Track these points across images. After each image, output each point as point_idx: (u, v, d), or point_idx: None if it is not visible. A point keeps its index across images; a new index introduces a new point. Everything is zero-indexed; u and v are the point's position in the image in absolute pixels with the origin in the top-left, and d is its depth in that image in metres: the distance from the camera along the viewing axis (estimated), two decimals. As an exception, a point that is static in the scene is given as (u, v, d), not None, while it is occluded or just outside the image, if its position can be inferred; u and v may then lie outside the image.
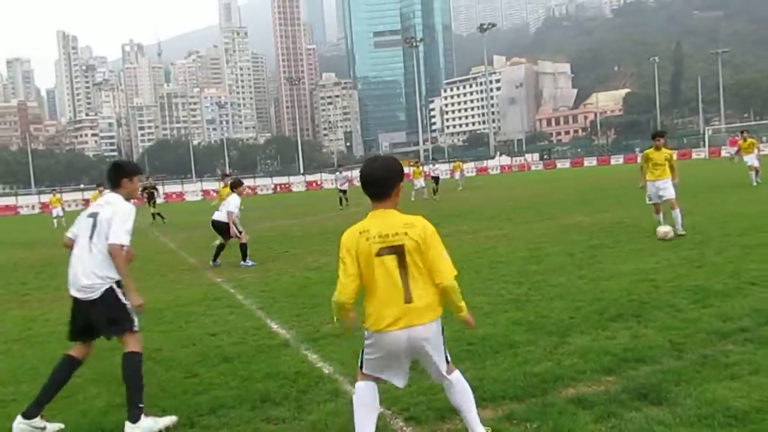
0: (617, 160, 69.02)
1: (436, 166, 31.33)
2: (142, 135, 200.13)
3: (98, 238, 4.25)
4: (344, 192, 26.94)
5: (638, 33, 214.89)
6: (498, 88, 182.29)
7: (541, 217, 15.29)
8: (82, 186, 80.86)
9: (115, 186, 4.52)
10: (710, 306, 5.61)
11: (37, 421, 4.10)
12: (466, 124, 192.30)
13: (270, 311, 7.03)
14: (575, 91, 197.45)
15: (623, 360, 4.37)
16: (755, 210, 12.59)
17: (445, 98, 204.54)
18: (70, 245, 4.42)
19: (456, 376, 3.28)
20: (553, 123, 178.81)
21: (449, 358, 3.26)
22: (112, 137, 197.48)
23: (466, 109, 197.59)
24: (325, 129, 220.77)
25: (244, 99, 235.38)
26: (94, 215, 4.35)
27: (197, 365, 5.20)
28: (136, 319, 4.30)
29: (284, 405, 4.17)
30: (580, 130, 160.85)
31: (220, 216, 11.34)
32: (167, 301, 8.20)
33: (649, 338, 4.82)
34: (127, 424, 3.93)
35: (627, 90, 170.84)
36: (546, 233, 11.95)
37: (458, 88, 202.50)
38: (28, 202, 57.82)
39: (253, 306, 7.40)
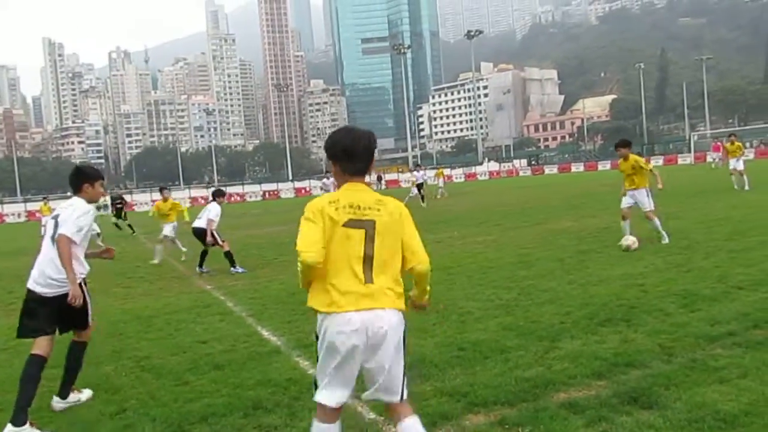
0: (604, 165, 69.52)
1: (422, 172, 29.89)
2: (130, 142, 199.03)
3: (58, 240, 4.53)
4: None
5: (623, 39, 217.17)
6: (486, 95, 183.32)
7: (530, 222, 15.38)
8: (69, 194, 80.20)
9: (76, 190, 4.75)
10: (698, 310, 5.67)
11: (28, 428, 4.17)
12: (454, 131, 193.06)
13: (261, 318, 7.00)
14: (562, 97, 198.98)
15: (613, 364, 4.40)
16: (740, 215, 12.74)
17: (433, 104, 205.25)
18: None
19: (413, 421, 2.83)
20: (541, 129, 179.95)
21: (407, 387, 2.83)
22: (99, 144, 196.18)
23: (454, 116, 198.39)
24: (313, 136, 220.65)
25: (232, 106, 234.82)
26: (56, 217, 4.66)
27: (188, 373, 5.17)
28: (91, 316, 4.75)
29: (276, 412, 4.16)
30: (567, 136, 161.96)
31: (199, 223, 11.34)
32: (156, 308, 8.15)
33: (639, 342, 4.86)
34: (56, 398, 4.59)
35: (613, 96, 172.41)
36: (535, 238, 12.02)
37: (446, 95, 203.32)
38: (14, 210, 57.41)
39: (243, 313, 7.38)
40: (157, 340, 6.35)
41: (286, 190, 69.63)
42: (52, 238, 4.59)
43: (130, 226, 24.47)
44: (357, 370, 2.72)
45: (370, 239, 2.69)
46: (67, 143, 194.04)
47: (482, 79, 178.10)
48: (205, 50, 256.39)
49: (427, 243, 10.37)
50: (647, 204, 10.03)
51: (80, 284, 4.53)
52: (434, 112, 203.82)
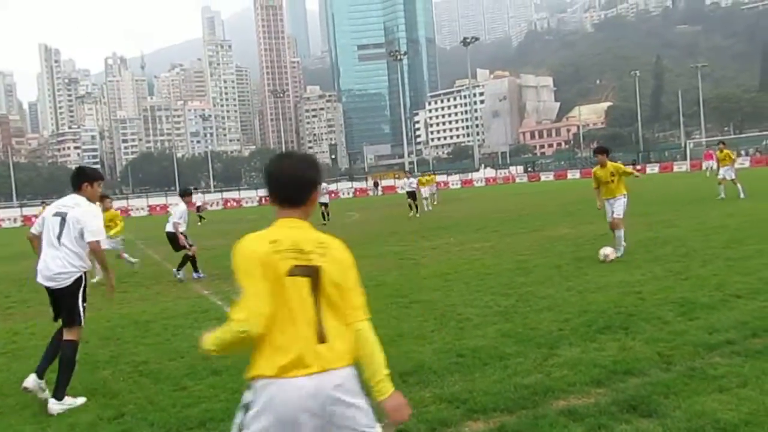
0: (600, 172, 69.70)
1: (411, 179, 27.57)
2: (126, 148, 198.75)
3: (67, 236, 4.82)
4: (325, 205, 24.90)
5: (619, 47, 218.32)
6: (482, 101, 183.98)
7: (527, 229, 15.40)
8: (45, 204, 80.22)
9: (76, 189, 5.02)
10: (696, 318, 5.67)
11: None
12: (451, 137, 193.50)
13: (258, 325, 6.97)
14: (558, 104, 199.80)
15: (612, 372, 4.40)
16: (736, 223, 12.79)
17: (430, 111, 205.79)
18: (32, 240, 5.10)
19: None
20: (537, 136, 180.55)
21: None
22: (95, 150, 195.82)
23: (450, 122, 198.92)
24: (309, 141, 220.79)
25: (228, 112, 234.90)
26: (61, 214, 4.87)
27: (186, 378, 5.15)
28: (84, 317, 4.97)
29: (275, 419, 4.15)
30: (563, 143, 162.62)
31: (169, 227, 11.32)
32: (154, 313, 8.13)
33: (638, 350, 4.86)
34: (51, 401, 4.62)
35: (609, 103, 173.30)
36: (532, 245, 12.04)
37: (442, 101, 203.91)
38: (9, 215, 57.27)
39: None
40: (155, 345, 6.34)
41: (283, 195, 69.50)
42: (59, 237, 4.83)
43: None
44: None
45: (315, 287, 2.23)
46: (63, 149, 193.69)
47: (478, 86, 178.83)
48: (202, 56, 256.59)
49: (423, 249, 10.51)
50: (620, 211, 9.84)
51: (81, 277, 4.90)
52: (430, 118, 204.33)
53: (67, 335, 4.83)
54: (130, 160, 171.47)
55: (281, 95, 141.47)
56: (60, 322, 4.96)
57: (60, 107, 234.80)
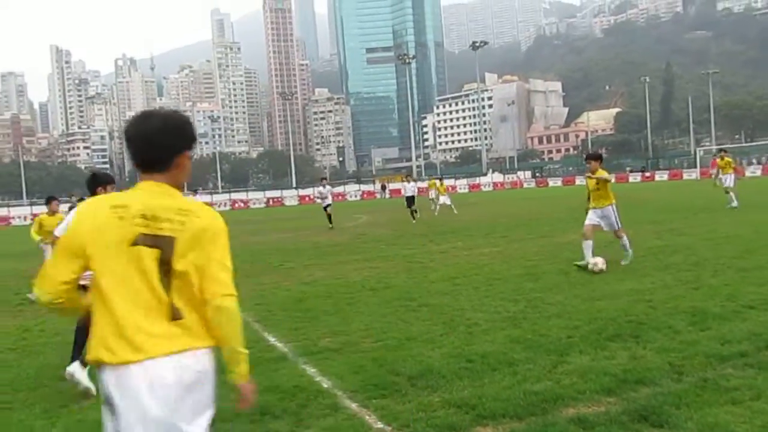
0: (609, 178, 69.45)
1: (411, 184, 25.93)
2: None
3: None
4: (328, 207, 23.49)
5: (628, 53, 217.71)
6: (490, 106, 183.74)
7: (536, 234, 15.35)
8: (73, 197, 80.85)
9: (92, 193, 5.43)
10: (708, 329, 5.61)
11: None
12: (458, 141, 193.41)
13: (266, 324, 7.00)
14: (566, 109, 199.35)
15: (623, 381, 4.37)
16: (748, 232, 12.68)
17: (438, 115, 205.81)
18: (55, 241, 5.46)
19: None
20: (545, 141, 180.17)
21: None
22: (104, 150, 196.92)
23: (458, 126, 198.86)
24: (317, 144, 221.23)
25: (236, 113, 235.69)
26: None
27: (194, 379, 5.16)
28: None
29: (284, 419, 4.16)
30: (571, 149, 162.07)
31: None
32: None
33: (648, 359, 4.82)
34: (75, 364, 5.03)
35: (618, 109, 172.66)
36: (541, 251, 12.00)
37: (450, 105, 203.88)
38: (20, 213, 57.89)
39: (249, 319, 7.36)
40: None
41: (290, 197, 69.79)
42: None
43: None
44: None
45: (166, 261, 1.98)
46: (73, 148, 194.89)
47: (486, 90, 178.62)
48: (211, 58, 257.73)
49: (432, 253, 10.47)
50: (615, 223, 9.59)
51: None
52: (438, 122, 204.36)
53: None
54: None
55: (290, 97, 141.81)
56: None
57: (70, 107, 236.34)
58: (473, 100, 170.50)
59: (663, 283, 7.91)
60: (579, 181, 72.12)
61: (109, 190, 5.45)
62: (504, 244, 13.87)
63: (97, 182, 5.48)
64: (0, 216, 58.28)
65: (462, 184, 72.83)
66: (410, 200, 24.20)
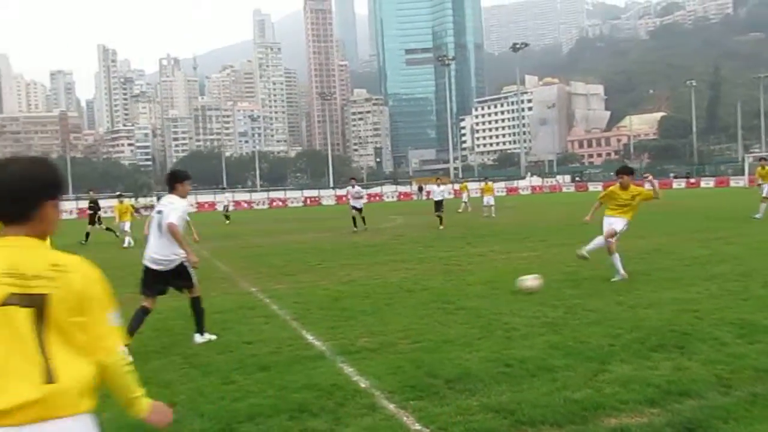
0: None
1: (441, 188, 24.39)
2: (176, 146, 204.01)
3: (164, 229, 6.16)
4: (359, 210, 22.19)
5: (674, 56, 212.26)
6: (529, 108, 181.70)
7: (575, 239, 15.03)
8: (118, 193, 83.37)
9: (171, 189, 6.35)
10: (758, 342, 5.41)
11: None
12: (497, 143, 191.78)
13: (304, 322, 7.07)
14: (608, 113, 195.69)
15: (667, 392, 4.26)
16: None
17: (476, 117, 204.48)
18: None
19: None
20: (585, 145, 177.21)
21: None
22: (147, 147, 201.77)
23: (496, 128, 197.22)
24: (355, 144, 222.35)
25: (276, 113, 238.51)
26: (160, 212, 6.23)
27: (234, 372, 5.25)
28: (195, 278, 6.49)
29: (321, 417, 4.19)
30: (612, 153, 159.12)
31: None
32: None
33: (693, 371, 4.69)
34: (196, 335, 6.31)
35: (662, 114, 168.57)
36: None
37: (489, 107, 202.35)
38: (66, 208, 59.85)
39: (287, 317, 7.46)
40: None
41: (327, 197, 70.25)
42: (159, 227, 6.18)
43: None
44: None
45: (41, 320, 1.84)
46: (117, 145, 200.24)
47: (526, 93, 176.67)
48: (252, 58, 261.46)
49: (469, 256, 10.42)
50: (621, 229, 9.20)
51: (182, 262, 6.28)
52: (477, 124, 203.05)
53: (193, 294, 6.43)
54: (180, 158, 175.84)
55: (328, 98, 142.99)
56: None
57: (115, 105, 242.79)
58: (512, 102, 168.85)
59: (709, 293, 7.69)
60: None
61: (186, 185, 6.36)
62: (542, 248, 13.70)
63: (177, 178, 6.35)
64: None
65: (499, 187, 72.13)
66: (438, 205, 22.69)
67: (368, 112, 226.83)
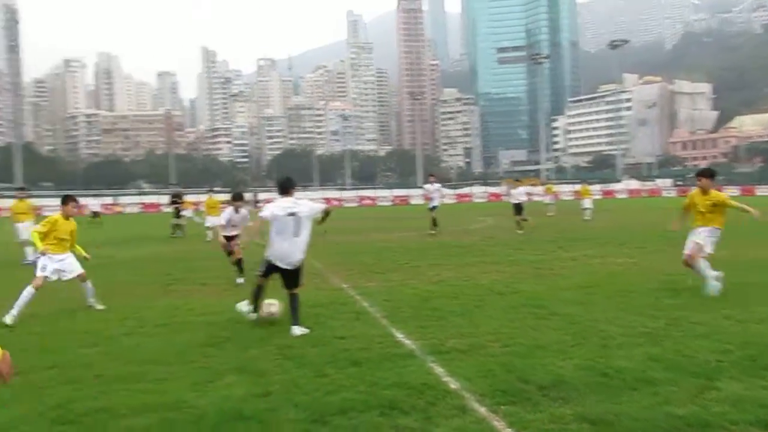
0: (764, 191, 63.20)
1: (520, 189, 22.81)
2: (271, 144, 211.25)
3: (303, 231, 6.75)
4: (433, 209, 20.91)
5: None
6: (628, 108, 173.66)
7: (675, 247, 14.26)
8: (216, 189, 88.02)
9: (283, 193, 6.97)
10: None
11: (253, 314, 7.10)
12: (591, 145, 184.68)
13: (394, 320, 7.13)
14: (716, 113, 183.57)
15: (783, 415, 3.96)
16: None
17: (570, 117, 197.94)
18: (253, 228, 7.18)
19: None
20: (689, 147, 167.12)
21: None
22: (243, 145, 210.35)
23: (591, 129, 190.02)
24: (445, 144, 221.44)
25: (366, 112, 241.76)
26: (293, 214, 6.74)
27: (327, 366, 5.38)
28: (304, 278, 7.07)
29: (412, 415, 4.21)
30: (719, 156, 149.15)
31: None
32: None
33: (813, 392, 4.34)
34: (294, 327, 6.59)
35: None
36: (680, 265, 11.14)
37: (584, 107, 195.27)
38: (167, 201, 63.68)
39: (377, 314, 7.55)
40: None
41: (416, 196, 70.38)
42: (295, 229, 6.71)
43: (178, 226, 23.12)
44: None
45: None
46: (216, 143, 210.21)
47: (625, 92, 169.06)
48: (344, 58, 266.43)
49: (562, 260, 10.17)
50: (710, 246, 8.45)
51: (302, 262, 6.93)
52: (570, 124, 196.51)
53: (294, 291, 6.86)
54: (274, 156, 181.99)
55: (418, 97, 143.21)
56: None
57: (215, 104, 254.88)
58: (609, 102, 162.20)
59: (831, 309, 7.06)
60: (729, 191, 66.22)
61: (292, 194, 6.97)
62: (639, 254, 13.10)
63: (292, 185, 7.02)
64: (151, 203, 64.57)
65: (594, 190, 69.54)
66: (517, 207, 21.46)
67: (458, 111, 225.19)
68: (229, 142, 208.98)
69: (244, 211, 10.55)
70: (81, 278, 8.32)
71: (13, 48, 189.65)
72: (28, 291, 7.64)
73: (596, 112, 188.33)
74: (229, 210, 10.58)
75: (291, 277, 6.84)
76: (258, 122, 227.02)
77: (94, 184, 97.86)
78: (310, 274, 11.60)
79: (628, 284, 9.24)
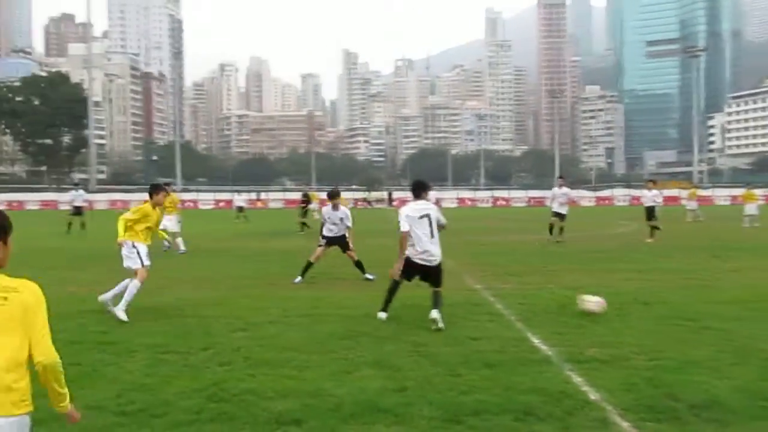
0: None
1: (653, 192, 19.82)
2: (406, 143, 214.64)
3: (436, 230, 7.17)
4: (561, 216, 18.50)
5: None
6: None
7: None
8: (353, 187, 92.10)
9: (417, 196, 7.33)
10: None
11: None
12: (754, 145, 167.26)
13: (530, 325, 6.96)
14: None
15: None
16: None
17: (729, 114, 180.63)
18: (404, 239, 7.17)
19: None
20: None
21: None
22: (380, 144, 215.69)
23: (754, 128, 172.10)
24: (585, 144, 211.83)
25: (503, 111, 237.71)
26: (427, 216, 7.14)
27: (460, 366, 5.37)
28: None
29: (549, 422, 4.10)
30: None
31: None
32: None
33: None
34: (434, 310, 6.79)
35: None
36: None
37: (746, 103, 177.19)
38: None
39: (512, 317, 7.42)
40: (432, 331, 6.68)
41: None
42: (433, 228, 7.10)
43: (305, 224, 23.64)
44: None
45: None
46: (354, 142, 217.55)
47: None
48: (482, 57, 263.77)
49: (718, 271, 9.36)
50: None
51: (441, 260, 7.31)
52: (729, 122, 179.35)
53: (438, 288, 7.08)
54: (409, 155, 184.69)
55: (558, 95, 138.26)
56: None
57: (354, 105, 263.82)
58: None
59: None
60: None
61: (424, 197, 7.32)
62: (814, 268, 11.66)
63: (425, 188, 7.39)
64: (291, 199, 68.06)
65: (758, 195, 62.99)
66: (650, 212, 19.18)
67: (601, 109, 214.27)
68: (366, 142, 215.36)
69: (344, 209, 10.48)
70: (135, 273, 7.80)
71: (177, 55, 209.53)
72: (135, 285, 7.53)
73: (761, 109, 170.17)
74: (326, 208, 10.63)
75: (433, 275, 7.11)
76: (394, 122, 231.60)
77: (242, 181, 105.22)
78: (444, 273, 11.65)
79: (798, 301, 8.27)
